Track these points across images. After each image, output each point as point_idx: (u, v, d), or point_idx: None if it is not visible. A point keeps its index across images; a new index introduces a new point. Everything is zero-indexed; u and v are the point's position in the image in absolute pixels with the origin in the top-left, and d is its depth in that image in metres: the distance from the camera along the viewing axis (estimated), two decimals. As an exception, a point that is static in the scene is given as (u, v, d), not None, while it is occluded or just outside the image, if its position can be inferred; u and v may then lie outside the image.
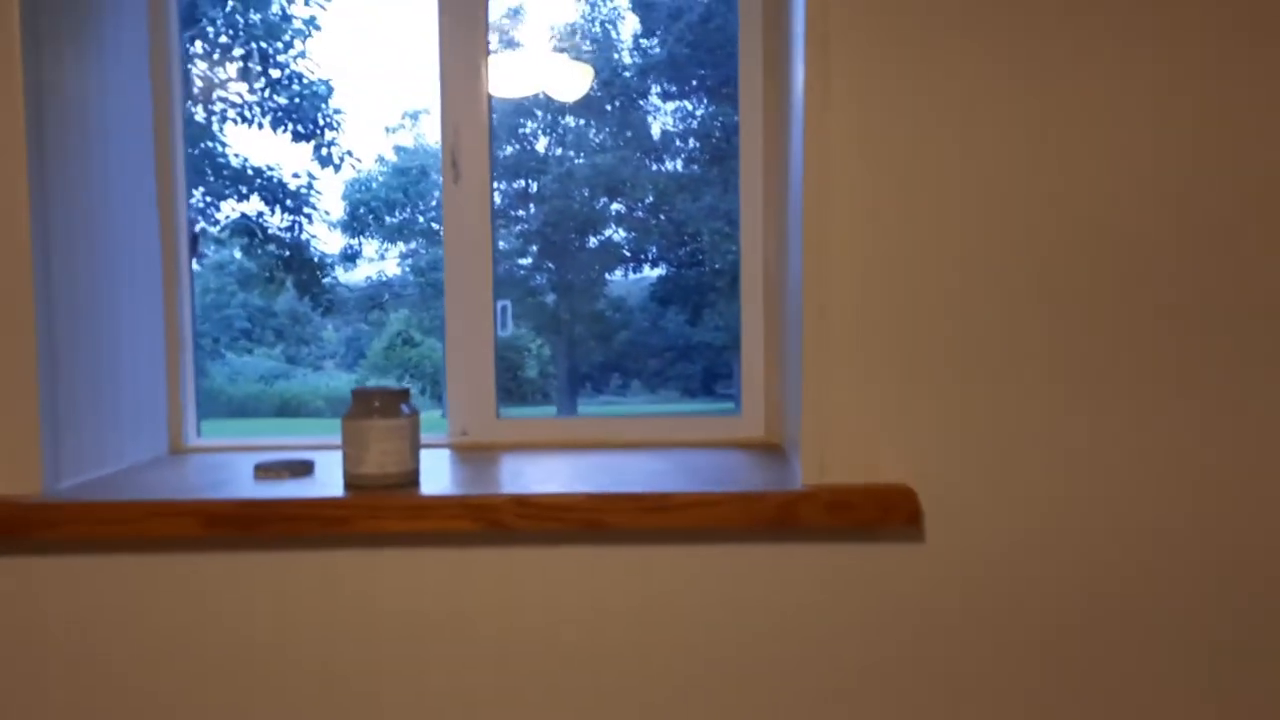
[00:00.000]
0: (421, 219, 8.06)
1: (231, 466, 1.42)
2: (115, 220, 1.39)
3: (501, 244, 8.05)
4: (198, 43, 6.68)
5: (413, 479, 1.28)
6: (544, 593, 1.27)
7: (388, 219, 7.89)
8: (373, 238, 7.85)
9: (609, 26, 7.16)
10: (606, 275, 7.62)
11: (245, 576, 1.26)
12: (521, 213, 7.56)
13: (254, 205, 6.99)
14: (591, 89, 7.15)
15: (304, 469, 1.35)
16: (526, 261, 7.59)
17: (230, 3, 6.81)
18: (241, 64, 6.83)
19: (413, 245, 8.12)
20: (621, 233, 7.20)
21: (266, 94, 6.81)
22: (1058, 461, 1.23)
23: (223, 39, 6.91)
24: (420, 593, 1.27)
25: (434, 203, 7.85)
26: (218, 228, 7.01)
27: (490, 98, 1.54)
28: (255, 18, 7.18)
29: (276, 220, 6.92)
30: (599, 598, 1.27)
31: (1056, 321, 1.22)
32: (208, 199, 6.90)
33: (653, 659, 1.27)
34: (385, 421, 1.24)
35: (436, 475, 1.33)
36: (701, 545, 1.28)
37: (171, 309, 1.50)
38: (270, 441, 1.55)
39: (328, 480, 1.30)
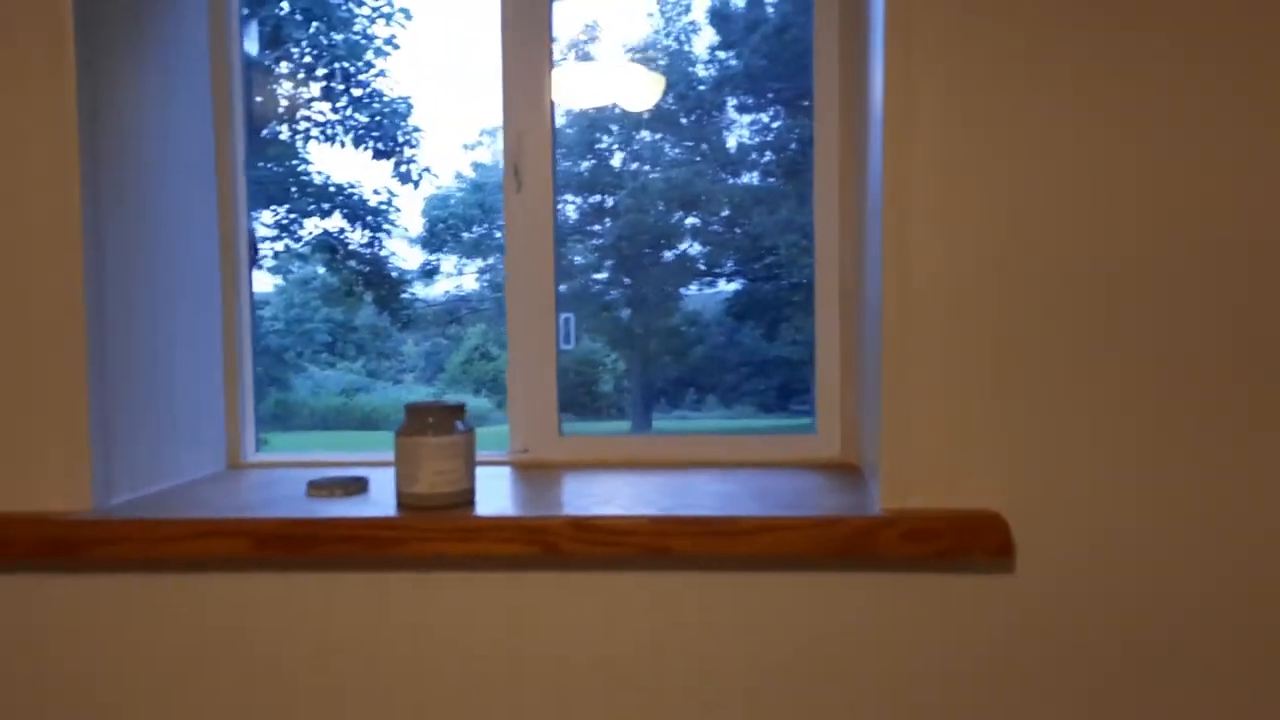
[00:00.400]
0: (498, 234, 8.07)
1: (287, 483, 1.37)
2: (172, 236, 1.36)
3: (577, 259, 8.04)
4: (283, 64, 6.77)
5: (467, 498, 1.22)
6: (602, 620, 1.20)
7: (465, 235, 7.92)
8: (451, 253, 7.89)
9: (684, 39, 7.11)
10: (681, 290, 7.55)
11: (295, 597, 1.21)
12: (597, 227, 7.53)
13: (335, 222, 7.07)
14: (666, 102, 7.10)
15: (357, 487, 1.29)
16: (602, 276, 7.56)
17: (314, 24, 6.91)
18: (325, 83, 6.92)
19: (490, 260, 8.16)
20: (697, 247, 7.14)
21: (348, 112, 6.89)
22: (1161, 486, 1.13)
23: (307, 59, 7.00)
24: (473, 618, 1.21)
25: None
26: (300, 244, 7.09)
27: (553, 106, 1.49)
28: (338, 38, 7.28)
29: (357, 236, 6.98)
30: (660, 626, 1.20)
31: (1157, 343, 1.12)
32: (291, 215, 6.98)
33: (715, 690, 1.19)
34: (438, 439, 1.18)
35: (494, 494, 1.27)
36: (770, 573, 1.20)
37: (230, 325, 1.47)
38: (330, 458, 1.51)
39: (381, 499, 1.25)
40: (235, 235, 1.41)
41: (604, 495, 1.22)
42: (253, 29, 2.57)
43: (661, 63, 7.53)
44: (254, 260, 1.45)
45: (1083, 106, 1.03)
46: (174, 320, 1.27)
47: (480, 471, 1.40)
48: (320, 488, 1.23)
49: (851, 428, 1.33)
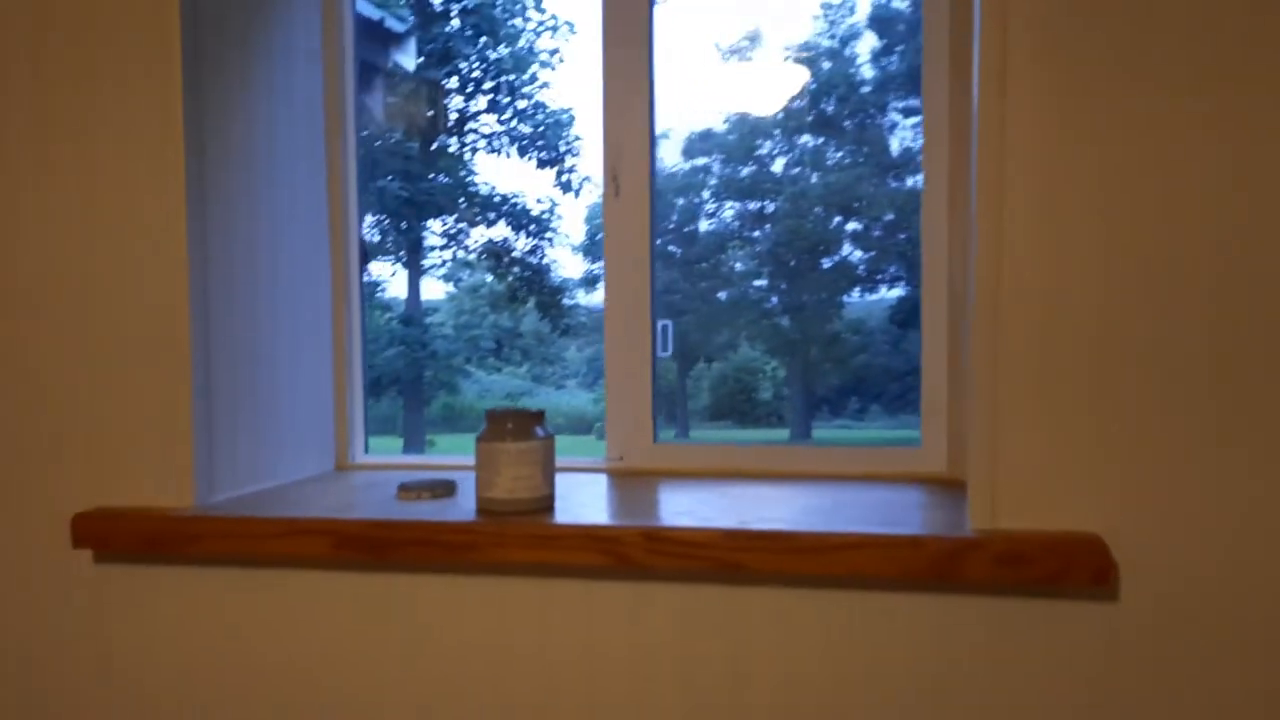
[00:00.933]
0: (658, 242, 8.03)
1: (384, 486, 1.39)
2: (281, 239, 1.40)
3: (738, 265, 7.98)
4: (454, 78, 6.99)
5: (546, 504, 1.21)
6: (675, 634, 1.16)
7: (627, 242, 7.90)
8: (612, 261, 7.89)
9: (846, 42, 6.97)
10: (844, 297, 7.40)
11: (374, 597, 1.22)
12: (756, 233, 7.46)
13: (501, 231, 7.25)
14: (827, 106, 6.97)
15: (445, 490, 1.30)
16: (761, 283, 7.48)
17: (482, 40, 7.11)
18: (491, 96, 7.10)
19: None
20: (859, 253, 6.98)
21: (513, 124, 7.06)
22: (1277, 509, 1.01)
23: (475, 74, 7.20)
24: (547, 624, 1.20)
25: (670, 226, 7.87)
26: (468, 252, 7.30)
27: (652, 111, 1.46)
28: (504, 51, 7.45)
29: (521, 244, 7.14)
30: (734, 643, 1.15)
31: (1274, 356, 1.00)
32: (459, 225, 7.19)
33: (789, 712, 1.14)
34: (517, 444, 1.17)
35: (577, 502, 1.25)
36: (851, 592, 1.14)
37: (340, 328, 1.51)
38: (437, 460, 1.53)
39: (466, 504, 1.25)
40: (347, 239, 1.45)
41: (689, 506, 1.18)
42: (410, 45, 2.63)
43: (825, 65, 7.40)
44: (365, 264, 1.49)
45: (1197, 118, 0.93)
46: (282, 323, 1.32)
47: (573, 479, 1.39)
48: (409, 490, 1.25)
49: (959, 442, 1.26)
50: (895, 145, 6.53)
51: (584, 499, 1.28)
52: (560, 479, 1.42)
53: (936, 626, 1.12)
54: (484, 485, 1.21)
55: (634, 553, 1.11)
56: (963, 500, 1.24)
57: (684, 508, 1.21)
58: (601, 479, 1.44)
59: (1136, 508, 1.04)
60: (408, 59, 2.17)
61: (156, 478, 1.27)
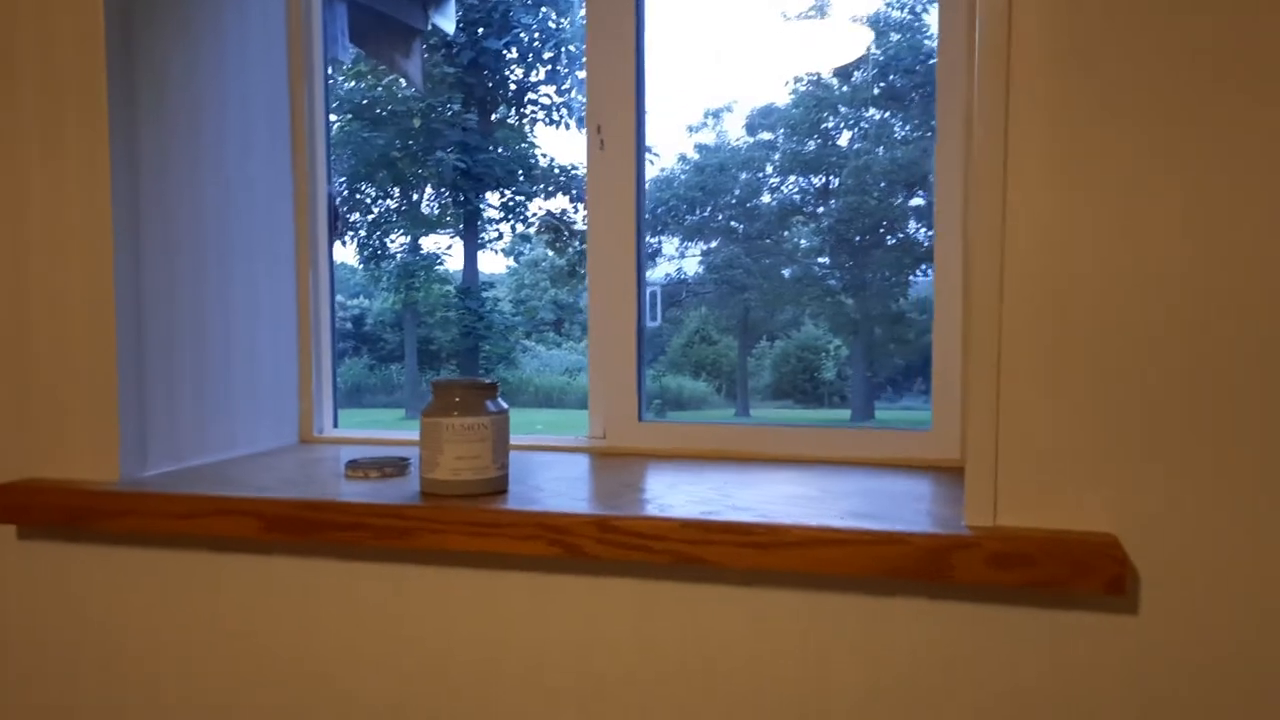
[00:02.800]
0: (721, 217, 7.95)
1: (339, 462, 1.27)
2: (232, 203, 1.29)
3: (803, 242, 7.77)
4: (512, 49, 6.88)
5: (496, 487, 1.07)
6: (630, 632, 1.02)
7: (687, 218, 7.83)
8: (672, 236, 7.82)
9: (916, 11, 6.69)
10: (910, 275, 7.15)
11: (303, 584, 1.10)
12: (820, 209, 7.24)
13: (559, 203, 7.13)
14: (895, 79, 6.72)
15: (396, 469, 1.17)
16: (824, 260, 7.27)
17: (542, 9, 6.97)
18: (550, 66, 6.98)
19: (712, 244, 8.00)
20: (924, 231, 6.72)
21: (572, 94, 6.92)
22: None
23: (534, 43, 7.08)
24: (490, 620, 1.06)
25: (733, 200, 7.68)
26: (526, 224, 7.20)
27: (640, 60, 1.31)
28: (564, 22, 7.29)
29: (580, 218, 7.02)
30: (691, 645, 1.01)
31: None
32: (518, 198, 7.09)
33: (749, 717, 0.99)
34: (463, 419, 1.04)
35: (536, 485, 1.12)
36: (825, 593, 0.98)
37: (305, 297, 1.39)
38: (410, 436, 1.40)
39: (414, 485, 1.12)
40: (313, 204, 1.32)
41: (659, 492, 1.04)
42: (449, 7, 2.49)
43: (894, 37, 7.13)
44: (335, 231, 1.36)
45: (1221, 110, 0.77)
46: (234, 293, 1.21)
47: (547, 459, 1.26)
48: (357, 469, 1.13)
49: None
50: (964, 118, 6.22)
51: (544, 482, 1.14)
52: (533, 459, 1.28)
53: (921, 634, 0.95)
54: (427, 465, 1.08)
55: (585, 544, 0.97)
56: (974, 492, 1.08)
57: (655, 494, 1.06)
58: (580, 460, 1.30)
59: (1162, 506, 0.87)
60: (447, 22, 2.05)
61: (83, 451, 1.16)
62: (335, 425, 1.45)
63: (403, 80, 6.04)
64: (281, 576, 1.11)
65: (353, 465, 1.18)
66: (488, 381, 1.09)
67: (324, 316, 1.42)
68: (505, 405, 1.09)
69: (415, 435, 1.38)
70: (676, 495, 1.04)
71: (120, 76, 1.14)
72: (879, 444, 1.26)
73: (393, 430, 1.44)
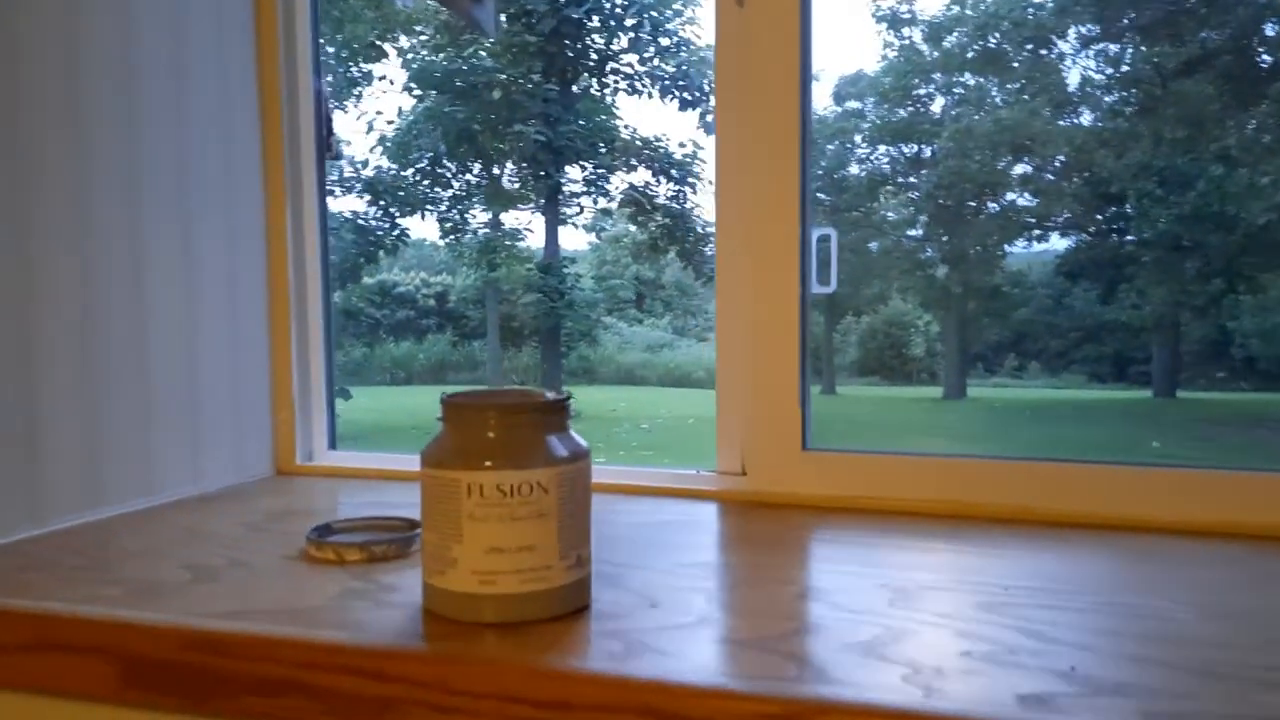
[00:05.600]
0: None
1: (314, 517, 0.74)
2: (146, 114, 0.76)
3: (890, 215, 7.08)
4: (593, 17, 6.33)
5: (568, 604, 0.53)
6: None
7: (774, 189, 7.21)
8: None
9: (1018, -34, 5.94)
10: (1005, 246, 6.44)
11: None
12: (912, 179, 6.55)
13: (641, 176, 6.58)
14: (993, 40, 5.99)
15: (385, 552, 0.62)
16: (916, 232, 6.60)
17: (624, -25, 6.39)
18: (633, 34, 6.41)
19: (799, 216, 7.39)
20: (1026, 199, 5.99)
21: (655, 63, 6.35)
22: None
23: (616, 9, 6.51)
24: None
25: (819, 172, 7.08)
26: (609, 199, 6.68)
27: None
28: (645, -12, 6.68)
29: (663, 190, 6.47)
30: None
31: None
32: (599, 171, 6.57)
33: None
34: (502, 475, 0.49)
35: (652, 584, 0.57)
36: None
37: (278, 258, 0.84)
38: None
39: (412, 584, 0.57)
40: (290, 115, 0.79)
41: (892, 616, 0.50)
42: None
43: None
44: (329, 152, 0.83)
45: None
46: (160, 253, 0.70)
47: (663, 511, 0.71)
48: (325, 546, 0.60)
49: None
50: (1074, 78, 5.48)
51: (659, 576, 0.57)
52: (633, 513, 0.72)
53: None
54: (433, 562, 0.53)
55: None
56: None
57: (895, 625, 0.49)
58: (708, 513, 0.74)
59: None
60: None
61: None
62: (332, 447, 0.90)
63: (475, 33, 5.52)
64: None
65: (319, 538, 0.62)
66: (550, 395, 0.52)
67: (315, 313, 0.87)
68: (584, 443, 0.52)
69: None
70: (939, 631, 0.46)
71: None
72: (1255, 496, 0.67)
73: (393, 452, 0.90)
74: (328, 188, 0.91)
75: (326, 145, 0.87)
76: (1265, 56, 4.72)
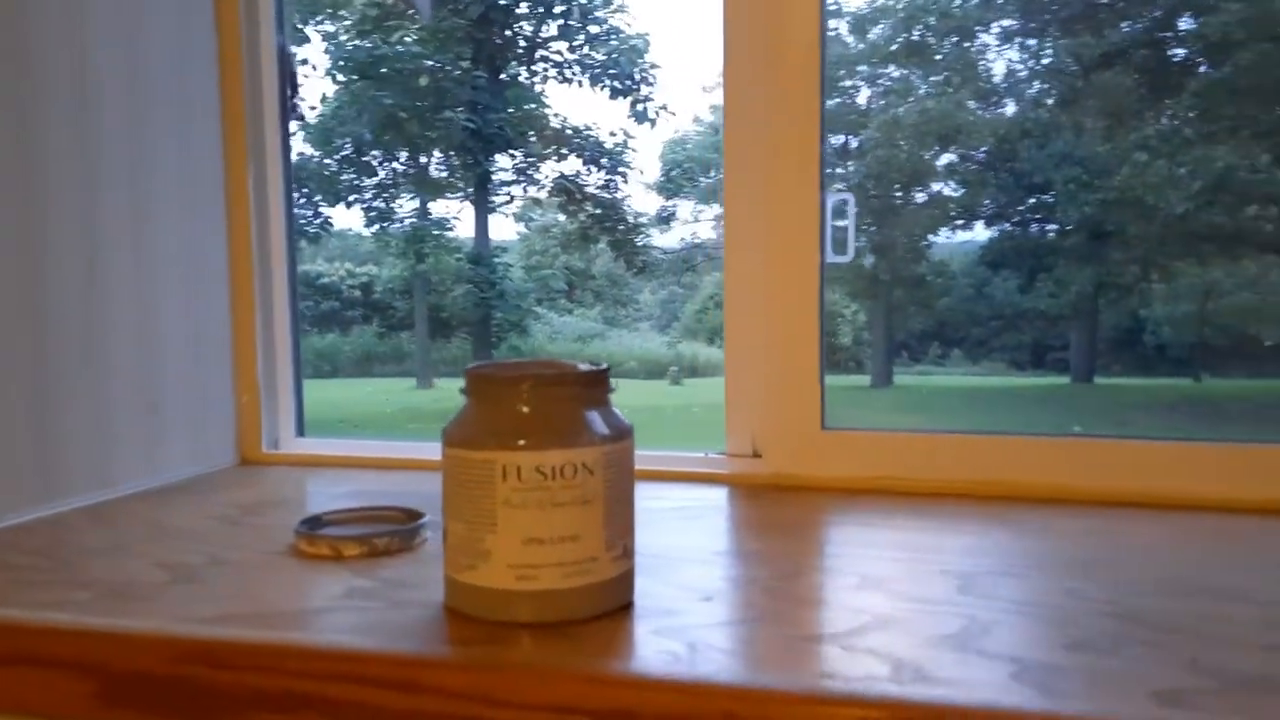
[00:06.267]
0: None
1: (291, 508, 0.67)
2: (89, 63, 0.67)
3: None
4: (522, 3, 6.23)
5: (614, 600, 0.47)
6: None
7: (702, 180, 7.25)
8: (687, 198, 7.27)
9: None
10: (930, 236, 6.51)
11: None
12: (840, 170, 6.60)
13: (572, 165, 6.51)
14: (916, 33, 6.04)
15: (387, 545, 0.56)
16: (844, 223, 6.65)
17: (554, -40, 6.31)
18: (562, 21, 6.33)
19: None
20: (951, 188, 6.06)
21: (585, 50, 6.28)
22: None
23: (545, -3, 6.41)
24: None
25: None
26: (539, 188, 6.60)
27: None
28: (574, -26, 6.61)
29: (593, 180, 6.40)
30: None
31: None
32: (529, 159, 6.49)
33: None
34: (544, 455, 0.43)
35: (681, 572, 0.52)
36: None
37: (241, 224, 0.76)
38: (401, 453, 0.78)
39: (432, 580, 0.51)
40: (251, 64, 0.71)
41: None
42: None
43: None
44: (291, 109, 0.75)
45: None
46: (103, 219, 0.62)
47: (672, 496, 0.65)
48: (318, 540, 0.54)
49: None
50: (1000, 69, 5.56)
51: (697, 571, 0.52)
52: (640, 500, 0.66)
53: None
54: (458, 554, 0.46)
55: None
56: None
57: (977, 617, 0.44)
58: (718, 499, 0.69)
59: None
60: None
61: None
62: (301, 433, 0.83)
63: (411, 13, 5.37)
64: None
65: (310, 531, 0.55)
66: (586, 367, 0.46)
67: (276, 258, 0.79)
68: (626, 420, 0.46)
69: (430, 447, 0.76)
70: (1028, 620, 0.42)
71: None
72: None
73: (396, 438, 0.82)
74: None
75: (291, 106, 0.79)
76: (1178, 50, 4.84)
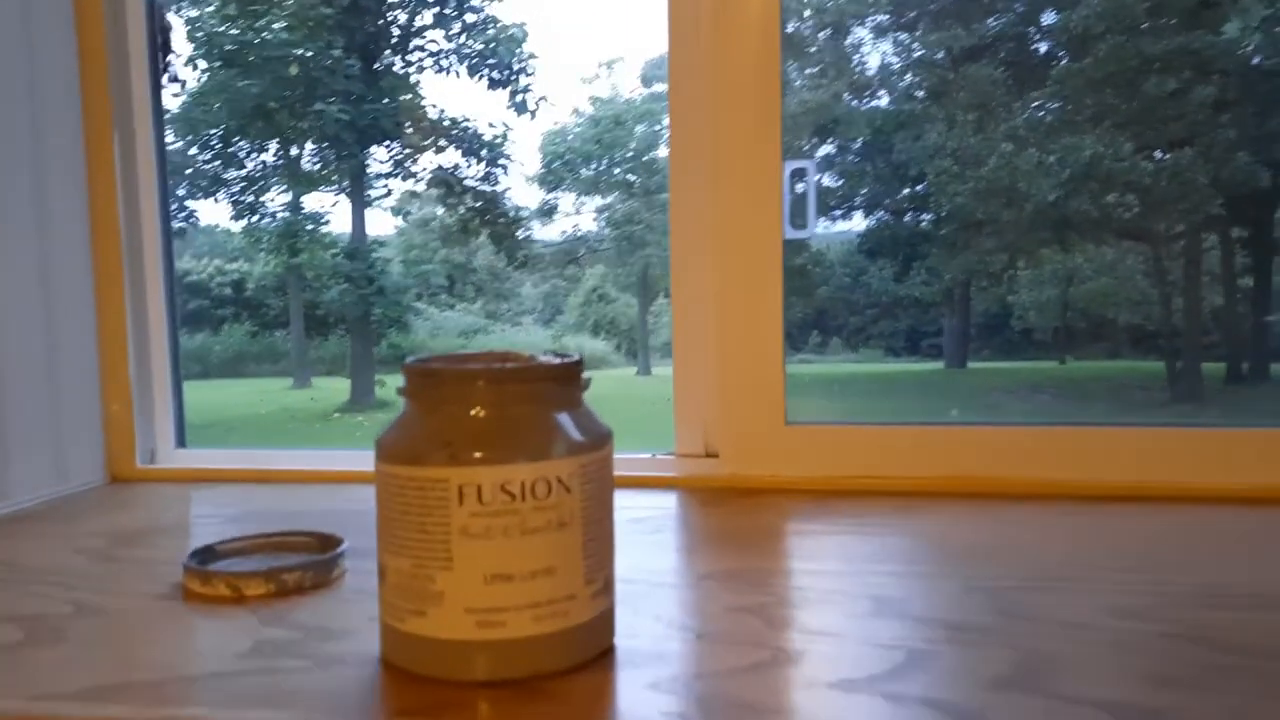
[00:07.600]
0: (617, 171, 7.35)
1: (171, 536, 0.56)
2: None
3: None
4: (394, -8, 6.01)
5: (592, 646, 0.38)
6: None
7: (584, 172, 7.19)
8: (569, 191, 7.21)
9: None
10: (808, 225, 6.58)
11: None
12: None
13: (451, 157, 6.33)
14: (795, 24, 6.10)
15: (310, 575, 0.46)
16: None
17: (428, -54, 6.13)
18: (437, 9, 6.15)
19: (609, 199, 7.45)
20: (830, 179, 6.15)
21: (462, 39, 6.11)
22: None
23: (419, -16, 6.22)
24: None
25: (629, 154, 7.07)
26: (416, 180, 6.40)
27: None
28: (450, -40, 6.44)
29: (473, 172, 6.25)
30: None
31: None
32: (405, 151, 6.29)
33: None
34: (507, 469, 0.35)
35: (653, 624, 0.43)
36: None
37: (108, 238, 0.64)
38: (296, 464, 0.67)
39: (351, 625, 0.41)
40: (118, 36, 0.62)
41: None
42: None
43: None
44: (161, 65, 0.65)
45: None
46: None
47: (619, 502, 0.58)
48: (213, 577, 0.44)
49: None
50: (874, 61, 5.66)
51: (676, 598, 0.43)
52: None
53: None
54: (401, 597, 0.36)
55: None
56: None
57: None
58: (673, 503, 0.60)
59: None
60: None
61: None
62: (182, 444, 0.71)
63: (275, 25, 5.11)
64: None
65: (201, 566, 0.44)
66: (551, 358, 0.36)
67: (149, 246, 0.67)
68: (604, 423, 0.37)
69: (332, 455, 0.66)
70: (1086, 646, 0.35)
71: None
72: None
73: (275, 439, 0.70)
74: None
75: (164, 66, 0.67)
76: (1041, 44, 5.02)
